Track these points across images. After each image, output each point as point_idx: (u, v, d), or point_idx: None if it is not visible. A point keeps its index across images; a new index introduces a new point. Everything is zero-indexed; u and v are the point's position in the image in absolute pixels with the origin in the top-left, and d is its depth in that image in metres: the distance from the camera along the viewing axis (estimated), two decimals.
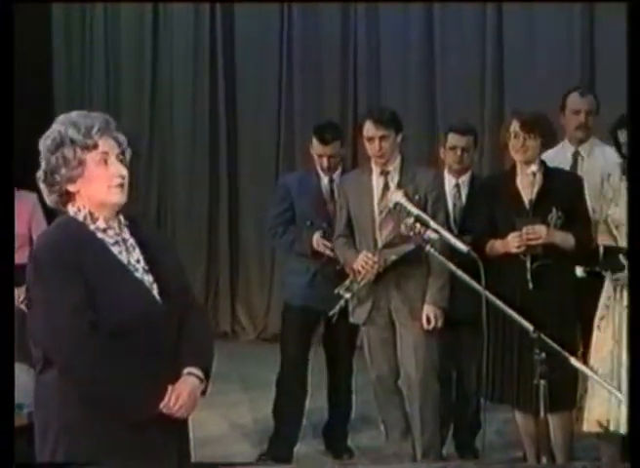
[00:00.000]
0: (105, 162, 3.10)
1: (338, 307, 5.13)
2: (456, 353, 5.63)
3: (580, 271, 4.93)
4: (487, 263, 3.77)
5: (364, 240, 5.15)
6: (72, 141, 3.08)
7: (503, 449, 5.74)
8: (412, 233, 4.03)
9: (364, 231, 5.16)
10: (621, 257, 4.68)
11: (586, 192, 4.98)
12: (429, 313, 5.07)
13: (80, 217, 3.14)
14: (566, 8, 8.40)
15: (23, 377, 4.28)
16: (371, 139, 5.08)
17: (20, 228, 5.68)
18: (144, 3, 10.02)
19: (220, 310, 9.80)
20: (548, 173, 4.97)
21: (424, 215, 4.07)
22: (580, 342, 4.96)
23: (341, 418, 5.84)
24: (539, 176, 4.90)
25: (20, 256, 5.66)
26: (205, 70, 9.85)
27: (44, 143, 3.13)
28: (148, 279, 3.17)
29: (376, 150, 5.07)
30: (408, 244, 4.74)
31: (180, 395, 3.13)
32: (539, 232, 4.79)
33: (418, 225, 4.01)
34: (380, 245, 5.07)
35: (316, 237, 5.49)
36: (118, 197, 3.13)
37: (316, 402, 5.93)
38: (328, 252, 5.45)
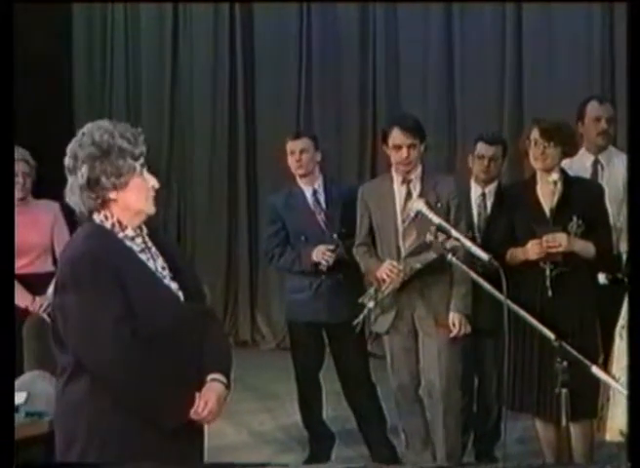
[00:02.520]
0: (142, 173, 3.17)
1: (362, 317, 5.12)
2: (477, 361, 5.62)
3: (602, 278, 4.90)
4: (507, 271, 3.75)
5: (386, 248, 5.13)
6: (121, 150, 3.11)
7: (523, 459, 5.69)
8: (434, 242, 4.02)
9: (387, 240, 5.14)
10: None
11: (607, 200, 4.95)
12: (455, 320, 5.05)
13: (108, 225, 3.16)
14: (585, 15, 8.36)
15: (44, 386, 4.29)
16: (398, 147, 5.06)
17: (38, 238, 5.70)
18: (164, 4, 10.04)
19: (239, 319, 9.79)
20: (569, 181, 4.95)
21: (446, 224, 4.05)
22: (602, 351, 4.93)
23: (374, 429, 5.75)
24: (559, 185, 4.88)
25: (39, 266, 5.76)
26: (224, 75, 9.89)
27: (83, 151, 3.11)
28: (174, 286, 3.21)
29: (403, 158, 5.05)
30: (431, 252, 4.72)
31: (208, 401, 3.16)
32: (559, 240, 4.77)
33: (439, 234, 4.00)
34: (403, 253, 5.05)
35: (315, 251, 5.48)
36: (153, 208, 3.21)
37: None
38: (329, 261, 5.45)
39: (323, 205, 5.68)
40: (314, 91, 9.55)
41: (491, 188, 5.61)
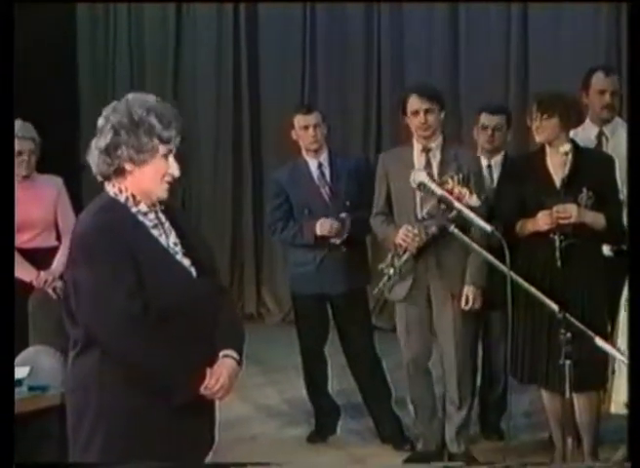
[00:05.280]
0: (166, 157, 3.12)
1: (382, 284, 5.08)
2: (485, 333, 5.58)
3: (607, 250, 4.85)
4: (517, 242, 3.71)
5: (405, 216, 5.05)
6: (151, 127, 3.08)
7: (530, 431, 5.68)
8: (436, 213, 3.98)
9: (405, 207, 5.07)
10: None
11: (617, 172, 4.89)
12: (469, 293, 5.00)
13: (122, 199, 3.13)
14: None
15: (48, 360, 4.27)
16: (416, 113, 5.02)
17: (41, 212, 5.65)
18: (168, 4, 10.02)
19: (245, 292, 9.79)
20: (580, 152, 4.90)
21: (448, 196, 4.02)
22: (609, 322, 4.90)
23: (379, 402, 5.73)
24: (570, 156, 4.82)
25: (43, 240, 5.74)
26: (229, 65, 9.85)
27: (115, 116, 3.09)
28: (187, 262, 3.17)
29: (421, 122, 5.01)
30: (446, 215, 4.67)
31: (220, 377, 3.14)
32: (569, 211, 4.73)
33: (442, 205, 3.97)
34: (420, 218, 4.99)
35: (319, 224, 5.45)
36: (165, 193, 3.15)
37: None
38: (333, 236, 5.43)
39: (328, 178, 5.63)
40: (319, 73, 9.50)
41: (497, 159, 5.59)
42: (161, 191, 3.14)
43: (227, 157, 9.89)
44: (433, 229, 4.87)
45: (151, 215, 3.15)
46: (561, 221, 4.72)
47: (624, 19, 7.95)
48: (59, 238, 5.70)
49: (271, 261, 9.61)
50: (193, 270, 3.17)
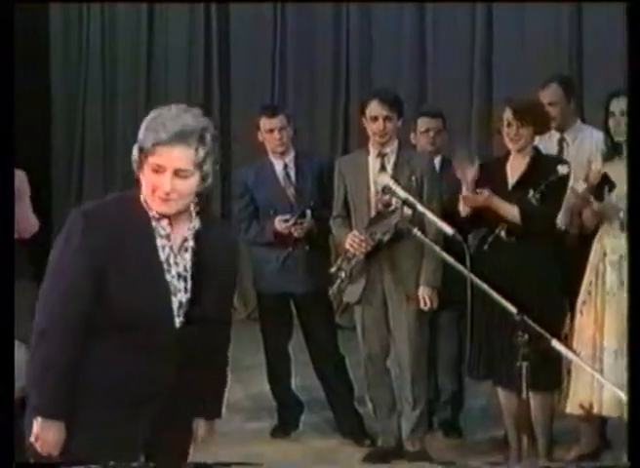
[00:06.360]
0: (157, 172, 2.80)
1: (335, 286, 5.10)
2: (440, 331, 5.64)
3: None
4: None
5: (360, 220, 5.09)
6: (139, 141, 2.84)
7: (486, 428, 5.73)
8: (399, 215, 4.00)
9: (360, 211, 5.11)
10: None
11: (571, 178, 4.93)
12: (425, 294, 5.03)
13: (142, 198, 2.90)
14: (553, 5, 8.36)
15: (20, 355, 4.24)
16: (375, 119, 5.04)
17: None
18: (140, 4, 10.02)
19: None
20: (538, 158, 4.96)
21: (412, 198, 4.03)
22: (567, 323, 4.98)
23: (342, 399, 5.77)
24: (528, 162, 4.91)
25: None
26: (199, 57, 9.87)
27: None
28: (178, 285, 2.90)
29: (380, 129, 5.03)
30: (391, 221, 4.75)
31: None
32: (480, 196, 4.82)
33: (405, 208, 4.00)
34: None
35: (277, 220, 5.45)
36: (161, 208, 2.84)
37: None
38: (293, 231, 5.43)
39: (293, 179, 5.64)
40: (288, 71, 9.52)
41: (436, 161, 5.61)
42: (156, 205, 2.83)
43: None
44: (379, 235, 4.91)
45: (164, 223, 2.87)
46: (470, 204, 4.81)
47: (586, 17, 8.05)
48: None
49: None
50: (183, 298, 2.91)
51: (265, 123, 5.61)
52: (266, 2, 9.54)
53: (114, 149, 10.15)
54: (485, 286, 3.53)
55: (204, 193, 2.92)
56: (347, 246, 5.00)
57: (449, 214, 4.62)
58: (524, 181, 4.89)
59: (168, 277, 2.87)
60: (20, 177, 5.65)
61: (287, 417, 5.88)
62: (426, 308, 5.04)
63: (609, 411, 4.70)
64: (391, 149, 5.10)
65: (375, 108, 5.04)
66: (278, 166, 5.66)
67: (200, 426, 3.16)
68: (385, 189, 4.22)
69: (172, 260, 2.88)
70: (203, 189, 2.88)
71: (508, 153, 5.01)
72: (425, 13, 8.93)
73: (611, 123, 4.91)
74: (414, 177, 4.90)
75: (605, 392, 4.61)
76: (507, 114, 4.88)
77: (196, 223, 2.93)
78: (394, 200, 4.20)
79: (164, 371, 2.90)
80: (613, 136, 4.88)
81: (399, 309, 5.08)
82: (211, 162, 2.83)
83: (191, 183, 2.81)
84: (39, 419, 2.84)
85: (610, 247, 4.84)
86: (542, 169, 4.88)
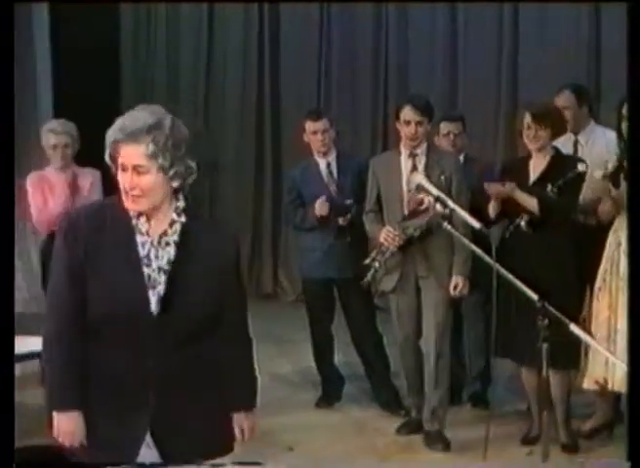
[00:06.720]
0: (123, 170, 2.68)
1: (369, 276, 5.07)
2: (467, 315, 5.67)
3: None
4: None
5: (392, 216, 5.08)
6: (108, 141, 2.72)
7: (511, 401, 5.73)
8: (432, 211, 4.00)
9: (392, 208, 5.09)
10: None
11: (587, 177, 4.92)
12: (458, 282, 5.00)
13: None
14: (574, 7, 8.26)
15: None
16: (408, 123, 5.01)
17: (79, 200, 5.63)
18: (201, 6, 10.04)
19: (263, 274, 9.85)
20: (558, 158, 4.98)
21: (443, 195, 4.04)
22: (584, 306, 4.99)
23: (379, 374, 5.81)
24: (548, 161, 4.93)
25: None
26: (253, 64, 9.90)
27: None
28: (159, 278, 2.73)
29: (412, 133, 5.00)
30: (424, 218, 4.74)
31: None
32: (505, 187, 4.86)
33: (437, 205, 4.00)
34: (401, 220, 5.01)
35: (318, 202, 5.52)
36: (131, 205, 2.70)
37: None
38: (340, 221, 5.51)
39: (335, 176, 5.71)
40: (332, 81, 9.53)
41: (460, 158, 5.64)
42: (128, 203, 2.69)
43: (250, 155, 9.93)
44: (411, 231, 4.91)
45: (142, 219, 2.73)
46: (497, 194, 4.86)
47: (604, 22, 7.94)
48: None
49: (286, 247, 9.64)
50: (161, 291, 2.72)
51: (310, 126, 5.67)
52: (313, 2, 9.47)
53: None
54: (509, 274, 3.54)
55: (184, 189, 2.77)
56: (382, 239, 4.99)
57: (475, 209, 4.62)
58: (544, 178, 4.91)
59: (148, 270, 2.72)
60: (95, 176, 5.71)
61: (330, 390, 5.93)
62: (457, 294, 5.03)
63: (621, 387, 4.68)
64: (422, 150, 5.08)
65: (408, 113, 5.01)
66: (322, 164, 5.72)
67: (242, 420, 2.96)
68: (419, 187, 4.24)
69: (152, 255, 2.73)
70: (179, 185, 2.73)
71: (530, 153, 5.02)
72: (457, 12, 8.85)
73: (623, 126, 4.89)
74: (443, 177, 4.88)
75: (617, 370, 4.60)
76: (527, 118, 4.90)
77: (181, 219, 2.76)
78: (426, 199, 4.18)
79: (147, 362, 2.73)
80: (625, 138, 4.86)
81: (430, 295, 5.06)
82: (167, 156, 2.65)
83: (150, 178, 2.66)
84: (54, 414, 2.78)
85: (624, 237, 4.82)
86: (562, 167, 4.90)
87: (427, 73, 9.04)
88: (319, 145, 5.67)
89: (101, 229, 2.72)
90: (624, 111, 4.83)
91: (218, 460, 2.85)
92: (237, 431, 2.95)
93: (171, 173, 2.68)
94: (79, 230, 2.71)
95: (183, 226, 2.76)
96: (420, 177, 4.27)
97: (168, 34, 10.26)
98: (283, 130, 9.75)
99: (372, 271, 5.05)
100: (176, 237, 2.75)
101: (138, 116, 2.67)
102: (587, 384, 4.92)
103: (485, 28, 8.77)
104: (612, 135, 5.15)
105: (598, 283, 4.88)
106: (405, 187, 5.03)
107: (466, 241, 3.88)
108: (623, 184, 4.74)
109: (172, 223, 2.75)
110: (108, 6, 9.51)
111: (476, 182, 5.13)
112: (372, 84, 9.35)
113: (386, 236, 4.98)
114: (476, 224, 3.79)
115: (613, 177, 4.82)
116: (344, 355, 6.16)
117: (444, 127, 5.75)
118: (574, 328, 3.31)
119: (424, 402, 5.17)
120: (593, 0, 8.13)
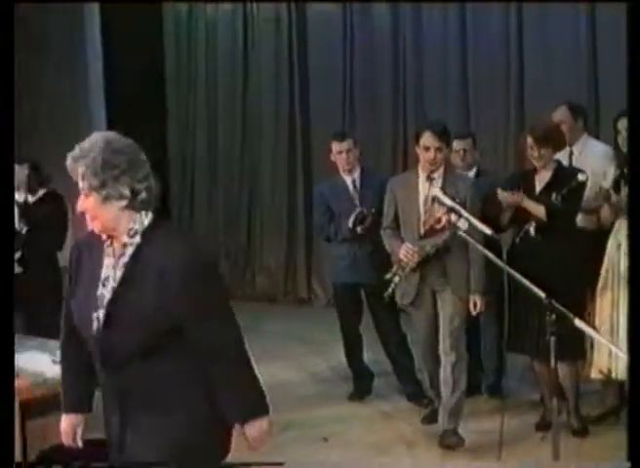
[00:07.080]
0: (86, 195, 2.56)
1: (390, 290, 4.96)
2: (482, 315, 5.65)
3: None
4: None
5: (409, 233, 4.94)
6: None
7: (525, 392, 5.72)
8: (446, 222, 4.02)
9: (410, 226, 4.95)
10: None
11: (587, 186, 4.92)
12: (476, 301, 4.87)
13: None
14: (573, 21, 8.07)
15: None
16: (427, 149, 4.83)
17: None
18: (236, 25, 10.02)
19: (298, 280, 9.85)
20: (560, 170, 4.98)
21: (457, 206, 4.06)
22: (591, 302, 4.97)
23: (404, 370, 5.80)
24: (552, 173, 4.94)
25: None
26: (285, 90, 9.85)
27: None
28: (107, 298, 2.58)
29: (431, 158, 4.83)
30: (441, 236, 4.69)
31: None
32: (515, 196, 4.86)
33: (452, 215, 4.02)
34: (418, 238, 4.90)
35: (351, 219, 5.56)
36: (91, 226, 2.59)
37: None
38: (358, 230, 5.53)
39: (359, 191, 5.72)
40: (356, 101, 9.50)
41: (471, 174, 5.66)
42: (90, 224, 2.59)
43: (284, 172, 9.95)
44: (428, 248, 4.81)
45: (108, 242, 2.60)
46: (510, 202, 4.86)
47: (600, 37, 7.81)
48: None
49: (319, 256, 9.58)
50: (103, 312, 2.57)
51: (336, 146, 5.71)
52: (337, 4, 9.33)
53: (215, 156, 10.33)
54: (519, 276, 3.56)
55: (147, 209, 2.58)
56: (401, 256, 4.87)
57: (486, 218, 4.61)
58: (548, 188, 4.91)
59: (103, 291, 2.58)
60: None
61: (361, 385, 5.95)
62: (476, 313, 4.92)
63: (623, 376, 4.68)
64: (438, 174, 4.89)
65: (427, 139, 4.84)
66: (348, 181, 5.77)
67: (247, 430, 2.64)
68: (435, 199, 4.25)
69: (111, 276, 2.59)
70: (132, 206, 2.54)
71: (536, 167, 5.02)
72: (467, 52, 8.77)
73: (619, 140, 4.90)
74: (457, 199, 4.65)
75: (620, 360, 4.60)
76: (529, 140, 4.91)
77: (134, 240, 2.56)
78: (444, 218, 4.14)
79: (101, 376, 2.66)
80: (622, 150, 4.87)
81: (446, 309, 4.92)
82: (98, 179, 2.49)
83: (91, 200, 2.52)
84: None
85: (624, 239, 4.82)
86: (564, 177, 4.90)
87: (441, 92, 8.98)
88: (344, 163, 5.71)
89: (89, 250, 2.66)
90: (619, 126, 4.86)
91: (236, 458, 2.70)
92: (246, 440, 2.66)
93: (103, 193, 2.51)
94: (74, 252, 2.72)
95: (137, 247, 2.56)
96: (436, 190, 4.29)
97: (207, 36, 10.21)
98: (313, 149, 9.76)
99: (393, 285, 4.96)
100: (126, 258, 2.57)
101: (83, 143, 2.55)
102: (594, 374, 4.93)
103: (492, 47, 8.62)
104: (603, 146, 5.21)
105: (601, 282, 4.90)
106: (422, 208, 4.88)
107: (480, 246, 3.90)
108: (622, 189, 4.75)
109: (124, 245, 2.58)
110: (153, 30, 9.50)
111: (489, 192, 5.08)
112: (391, 105, 9.29)
113: (406, 253, 4.86)
114: (488, 231, 3.81)
115: (613, 184, 4.83)
116: (374, 353, 6.16)
117: (456, 144, 5.68)
118: (578, 322, 3.32)
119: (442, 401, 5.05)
120: (594, 0, 7.90)
